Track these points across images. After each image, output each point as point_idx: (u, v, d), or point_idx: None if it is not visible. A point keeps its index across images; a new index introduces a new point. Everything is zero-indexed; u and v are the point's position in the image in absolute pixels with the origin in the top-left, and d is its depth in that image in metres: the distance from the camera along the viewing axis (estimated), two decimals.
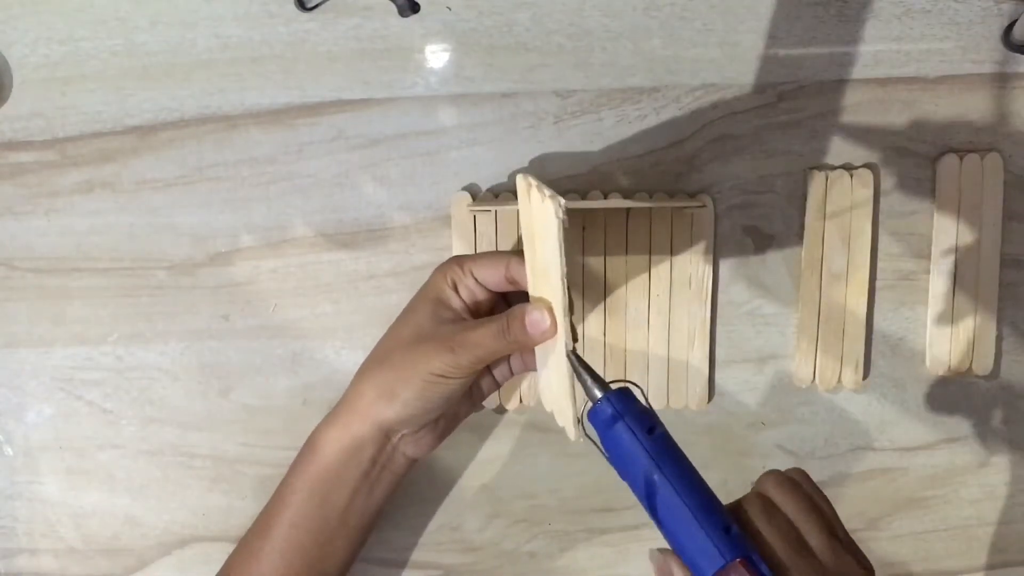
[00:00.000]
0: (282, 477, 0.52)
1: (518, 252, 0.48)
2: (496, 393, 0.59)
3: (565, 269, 0.42)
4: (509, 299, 0.51)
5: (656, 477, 0.40)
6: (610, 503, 0.60)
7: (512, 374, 0.52)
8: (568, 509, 0.60)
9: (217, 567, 0.53)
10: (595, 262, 0.58)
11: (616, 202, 0.56)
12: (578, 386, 0.43)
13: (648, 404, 0.42)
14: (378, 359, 0.50)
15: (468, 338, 0.47)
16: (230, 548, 0.54)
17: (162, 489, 0.60)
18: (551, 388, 0.48)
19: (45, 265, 0.58)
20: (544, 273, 0.44)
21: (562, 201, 0.40)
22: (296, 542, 0.50)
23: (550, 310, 0.45)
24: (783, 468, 0.60)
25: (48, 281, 0.58)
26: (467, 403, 0.52)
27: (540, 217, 0.43)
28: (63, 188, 0.58)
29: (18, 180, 0.58)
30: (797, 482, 0.43)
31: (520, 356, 0.51)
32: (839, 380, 0.59)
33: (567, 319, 0.44)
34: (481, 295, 0.50)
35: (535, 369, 0.50)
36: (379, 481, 0.50)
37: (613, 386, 0.42)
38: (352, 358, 0.59)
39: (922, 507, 0.61)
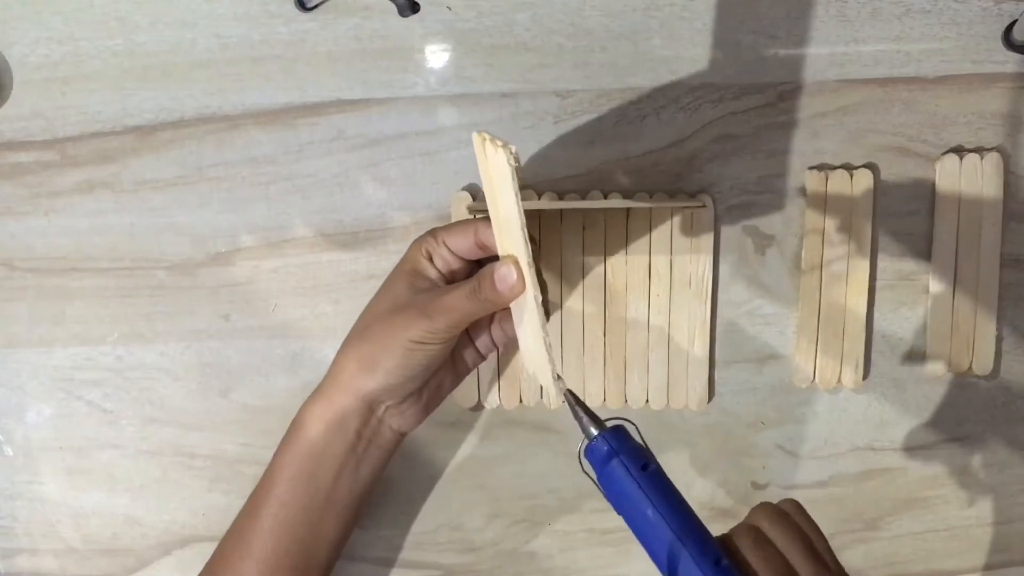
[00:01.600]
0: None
1: (485, 217, 0.48)
2: (496, 394, 0.59)
3: (524, 219, 0.42)
4: (484, 266, 0.52)
5: (649, 512, 0.41)
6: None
7: (495, 346, 0.53)
8: (568, 509, 0.60)
9: None
10: (595, 262, 0.58)
11: (616, 202, 0.56)
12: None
13: (643, 441, 0.44)
14: (358, 333, 0.50)
15: (442, 303, 0.47)
16: None
17: (162, 489, 0.60)
18: (529, 348, 0.48)
19: (45, 265, 0.58)
20: (507, 227, 0.45)
21: (513, 148, 0.41)
22: (284, 521, 0.50)
23: (516, 264, 0.45)
24: (782, 468, 0.60)
25: (48, 281, 0.58)
26: (451, 375, 0.53)
27: (496, 170, 0.43)
28: (63, 188, 0.58)
29: (18, 180, 0.58)
30: (788, 514, 0.44)
31: (500, 325, 0.52)
32: (839, 380, 0.59)
33: (532, 269, 0.44)
34: (456, 264, 0.50)
35: (515, 336, 0.51)
36: (366, 456, 0.50)
37: (609, 423, 0.44)
38: None
39: (922, 507, 0.61)
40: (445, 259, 0.50)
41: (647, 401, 0.59)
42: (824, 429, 0.60)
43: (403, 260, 0.51)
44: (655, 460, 0.43)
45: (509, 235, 0.45)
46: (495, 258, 0.48)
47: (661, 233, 0.58)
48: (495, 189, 0.44)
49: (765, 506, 0.44)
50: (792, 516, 0.44)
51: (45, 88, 0.57)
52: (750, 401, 0.60)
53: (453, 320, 0.47)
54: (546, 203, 0.57)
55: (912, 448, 0.60)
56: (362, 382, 0.49)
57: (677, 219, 0.57)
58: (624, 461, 0.42)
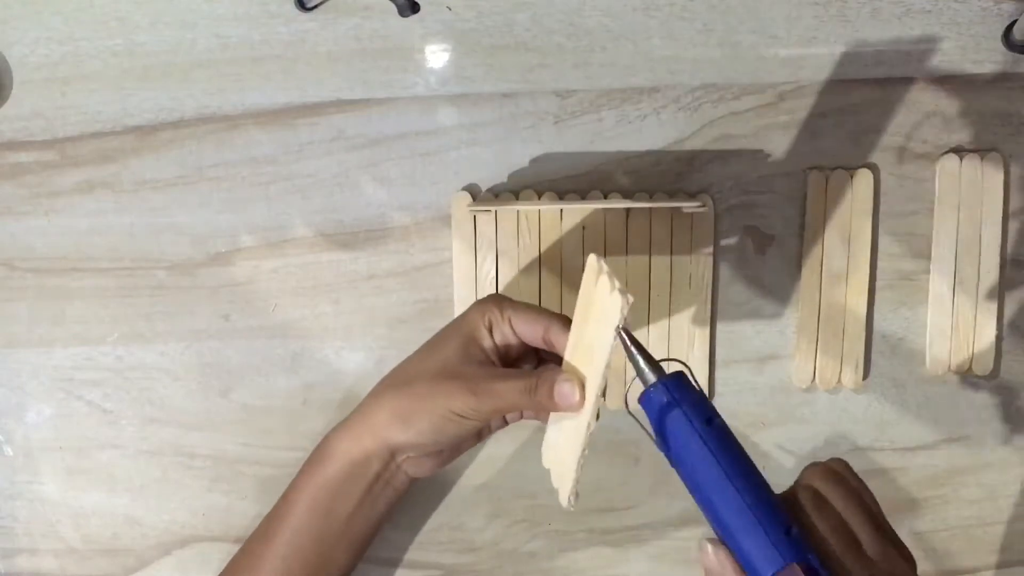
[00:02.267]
0: (283, 477, 0.53)
1: (560, 316, 0.48)
2: None
3: (610, 358, 0.41)
4: (540, 352, 0.51)
5: (715, 471, 0.38)
6: (610, 503, 0.60)
7: (522, 417, 0.52)
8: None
9: (217, 567, 0.53)
10: None
11: (616, 202, 0.56)
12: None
13: (700, 389, 0.41)
14: (399, 382, 0.50)
15: (494, 387, 0.47)
16: (230, 548, 0.54)
17: (162, 489, 0.60)
18: (557, 448, 0.47)
19: (45, 265, 0.58)
20: (588, 352, 0.44)
21: (630, 298, 0.39)
22: (298, 548, 0.50)
23: (582, 386, 0.44)
24: (783, 468, 0.60)
25: (48, 281, 0.58)
26: (473, 437, 0.53)
27: (601, 303, 0.42)
28: (63, 188, 0.58)
29: (18, 180, 0.58)
30: (841, 474, 0.43)
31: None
32: (839, 380, 0.59)
33: (598, 402, 0.43)
34: (514, 341, 0.49)
35: (545, 420, 0.50)
36: (381, 496, 0.51)
37: (666, 367, 0.41)
38: (352, 358, 0.59)
39: (922, 507, 0.61)
40: (505, 335, 0.49)
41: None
42: (824, 429, 0.60)
43: (462, 320, 0.50)
44: (718, 414, 0.40)
45: (588, 359, 0.44)
46: (555, 355, 0.48)
47: (661, 233, 0.58)
48: (591, 315, 0.43)
49: (818, 466, 0.43)
50: (844, 476, 0.43)
51: (45, 88, 0.57)
52: (750, 401, 0.60)
53: (499, 407, 0.47)
54: (546, 203, 0.57)
55: (912, 448, 0.60)
56: (392, 433, 0.49)
57: (677, 219, 0.57)
58: (687, 412, 0.39)
